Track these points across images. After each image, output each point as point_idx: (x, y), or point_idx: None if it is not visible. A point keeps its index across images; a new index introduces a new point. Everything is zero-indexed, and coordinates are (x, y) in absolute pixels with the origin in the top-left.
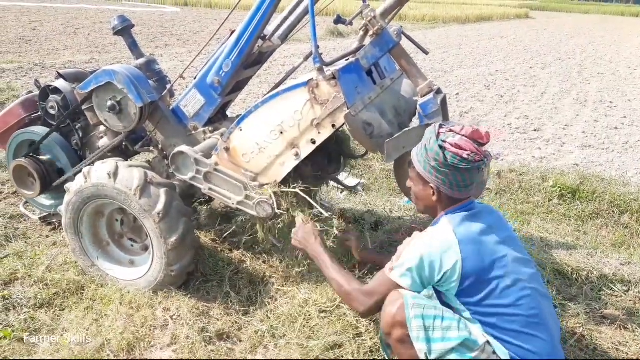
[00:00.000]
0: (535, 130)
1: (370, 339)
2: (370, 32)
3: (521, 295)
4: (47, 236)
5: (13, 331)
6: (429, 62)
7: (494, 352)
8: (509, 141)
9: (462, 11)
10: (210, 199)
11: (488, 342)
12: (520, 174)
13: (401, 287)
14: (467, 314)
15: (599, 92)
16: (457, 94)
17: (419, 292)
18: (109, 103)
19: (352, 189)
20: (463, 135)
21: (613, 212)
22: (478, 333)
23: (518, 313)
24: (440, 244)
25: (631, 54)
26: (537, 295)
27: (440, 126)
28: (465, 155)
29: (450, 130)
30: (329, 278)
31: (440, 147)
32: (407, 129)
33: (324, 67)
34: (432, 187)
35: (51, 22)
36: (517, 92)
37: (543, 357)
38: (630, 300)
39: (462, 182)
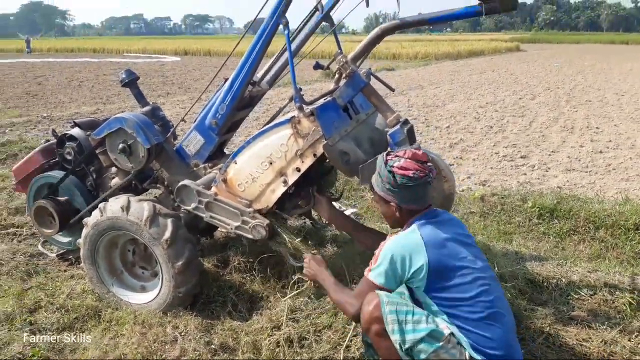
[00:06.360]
0: (521, 157)
1: (357, 349)
2: (344, 75)
3: (480, 290)
4: (65, 270)
5: (40, 350)
6: (421, 98)
7: (458, 343)
8: (496, 168)
9: (453, 47)
10: (212, 229)
11: (452, 333)
12: (502, 197)
13: (380, 287)
14: (435, 308)
15: (585, 118)
16: (448, 126)
17: (394, 289)
18: (120, 146)
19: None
20: (407, 158)
21: (589, 227)
22: (443, 326)
23: (478, 305)
24: (409, 244)
25: (619, 80)
26: (494, 292)
27: (387, 154)
28: (411, 174)
29: (396, 156)
30: (332, 296)
31: (389, 171)
32: (378, 155)
33: (303, 105)
34: (392, 205)
35: (56, 77)
36: (506, 123)
37: (500, 343)
38: (595, 303)
39: (415, 196)
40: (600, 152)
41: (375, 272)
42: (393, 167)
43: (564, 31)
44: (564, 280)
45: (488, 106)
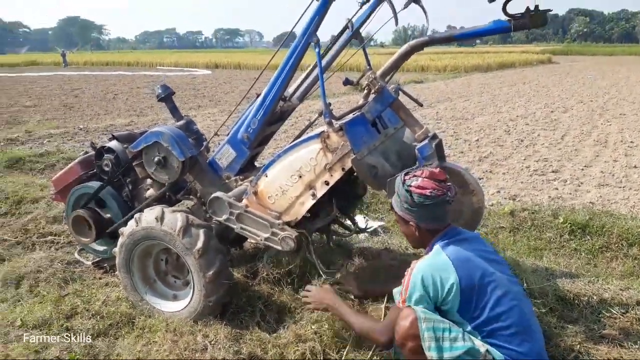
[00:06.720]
0: (553, 171)
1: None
2: (373, 90)
3: (511, 305)
4: (100, 278)
5: (75, 355)
6: (450, 111)
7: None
8: (526, 183)
9: (483, 59)
10: (242, 240)
11: (488, 350)
12: (533, 212)
13: None
14: (469, 328)
15: (619, 132)
16: (477, 139)
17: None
18: (156, 159)
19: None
20: (424, 177)
21: (622, 244)
22: (479, 343)
23: (510, 320)
24: (437, 265)
25: None
26: (523, 306)
27: (406, 173)
28: (428, 193)
29: (414, 175)
30: (349, 323)
31: (407, 190)
32: (405, 170)
33: (333, 120)
34: (412, 225)
35: (91, 89)
36: (537, 136)
37: (534, 356)
38: (627, 321)
39: (433, 215)
40: (635, 167)
41: (409, 301)
42: (410, 186)
43: (597, 43)
44: (595, 297)
45: (519, 119)
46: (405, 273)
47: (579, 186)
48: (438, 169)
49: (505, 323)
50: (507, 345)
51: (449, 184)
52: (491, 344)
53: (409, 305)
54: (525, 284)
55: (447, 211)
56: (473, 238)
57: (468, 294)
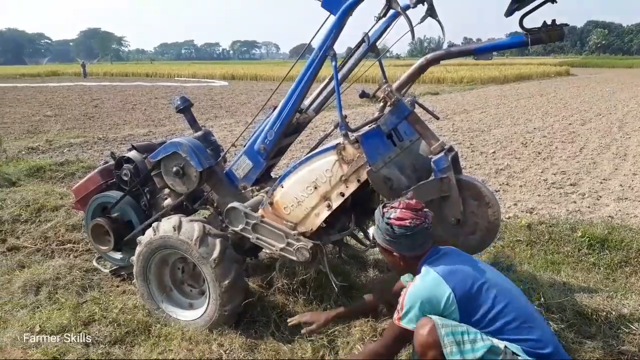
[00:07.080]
0: (571, 184)
1: None
2: (389, 103)
3: (508, 299)
4: (117, 286)
5: None
6: (466, 122)
7: (513, 353)
8: (544, 196)
9: (500, 72)
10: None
11: (506, 345)
12: (550, 226)
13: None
14: (477, 331)
15: (639, 145)
16: (494, 152)
17: None
18: (175, 169)
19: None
20: (402, 209)
21: None
22: (496, 341)
23: (513, 313)
24: (430, 283)
25: None
26: (520, 298)
27: (384, 206)
28: (408, 224)
29: (392, 207)
30: None
31: (387, 223)
32: (420, 182)
33: (349, 132)
34: (396, 255)
35: (111, 100)
36: (555, 149)
37: (547, 341)
38: None
39: (415, 244)
40: None
41: (406, 319)
42: (390, 218)
43: (616, 55)
44: (614, 313)
45: (536, 131)
46: (402, 292)
47: (598, 200)
48: (414, 200)
49: (509, 317)
50: (518, 336)
51: (425, 210)
52: (505, 340)
53: (426, 315)
54: (542, 299)
55: (428, 236)
56: (452, 251)
57: (465, 301)
